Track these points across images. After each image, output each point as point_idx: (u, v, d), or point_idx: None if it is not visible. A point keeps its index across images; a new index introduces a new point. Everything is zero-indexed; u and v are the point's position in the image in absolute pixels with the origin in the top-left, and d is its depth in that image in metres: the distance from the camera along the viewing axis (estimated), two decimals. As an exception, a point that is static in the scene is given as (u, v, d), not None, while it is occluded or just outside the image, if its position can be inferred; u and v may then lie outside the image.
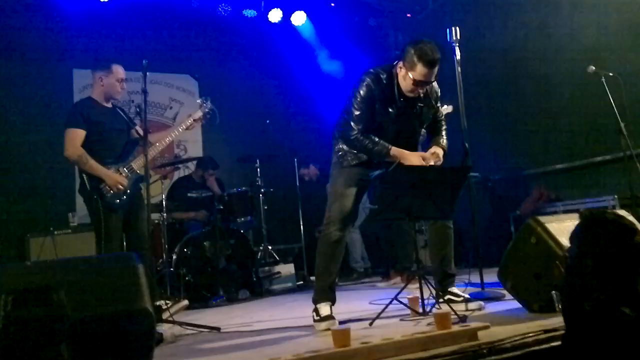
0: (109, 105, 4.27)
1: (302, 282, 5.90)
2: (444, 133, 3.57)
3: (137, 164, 4.14)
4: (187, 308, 4.43)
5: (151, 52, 3.84)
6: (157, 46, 7.15)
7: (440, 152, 3.41)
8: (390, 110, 3.33)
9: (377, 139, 3.29)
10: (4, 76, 6.60)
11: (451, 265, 3.56)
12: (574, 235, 2.04)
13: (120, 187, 3.99)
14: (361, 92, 3.29)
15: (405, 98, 3.34)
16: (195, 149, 7.66)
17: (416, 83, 3.23)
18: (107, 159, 4.08)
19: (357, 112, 3.30)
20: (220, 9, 7.09)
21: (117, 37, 7.01)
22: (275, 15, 7.40)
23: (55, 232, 5.86)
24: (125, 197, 4.03)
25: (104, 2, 6.66)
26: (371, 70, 3.36)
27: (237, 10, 7.25)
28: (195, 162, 6.41)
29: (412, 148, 3.46)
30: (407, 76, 3.24)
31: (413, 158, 3.28)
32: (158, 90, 7.49)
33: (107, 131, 4.13)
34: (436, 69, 3.24)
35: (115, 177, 4.00)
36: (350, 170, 3.44)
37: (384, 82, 3.31)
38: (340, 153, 3.48)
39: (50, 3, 6.52)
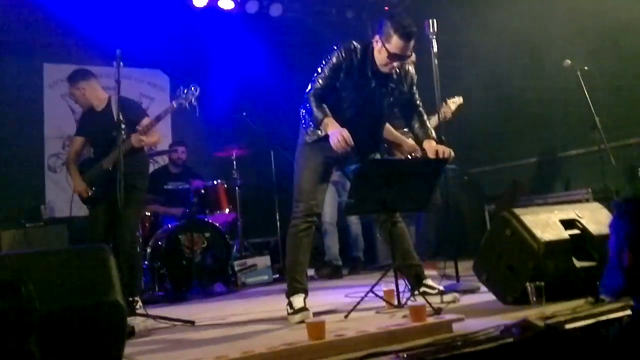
0: (100, 109, 4.43)
1: (277, 276, 5.88)
2: (428, 123, 3.50)
3: (107, 161, 4.29)
4: (161, 302, 4.40)
5: (121, 46, 3.78)
6: (128, 40, 6.99)
7: (441, 147, 3.33)
8: (355, 83, 3.27)
9: (322, 105, 3.21)
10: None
11: (414, 257, 3.51)
12: (616, 224, 2.00)
13: (82, 194, 4.42)
14: (331, 58, 3.26)
15: (377, 75, 3.29)
16: (166, 144, 7.55)
17: (391, 56, 3.19)
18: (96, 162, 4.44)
19: (319, 75, 3.27)
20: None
21: (87, 30, 6.87)
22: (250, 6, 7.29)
23: (27, 225, 5.75)
24: (96, 192, 4.38)
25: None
26: (347, 41, 3.31)
27: (212, 1, 7.14)
28: (167, 154, 6.35)
29: (376, 130, 3.44)
30: (382, 49, 3.20)
31: (334, 134, 3.08)
32: (128, 85, 7.28)
33: (94, 135, 4.46)
34: (411, 43, 3.19)
35: (76, 186, 4.45)
36: (312, 147, 3.37)
37: (357, 54, 3.26)
38: (303, 125, 3.40)
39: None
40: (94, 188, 4.40)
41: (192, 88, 4.32)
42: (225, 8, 7.26)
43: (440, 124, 4.07)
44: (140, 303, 3.87)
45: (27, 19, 6.62)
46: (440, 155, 3.28)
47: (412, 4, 7.73)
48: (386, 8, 8.00)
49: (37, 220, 5.98)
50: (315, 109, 3.20)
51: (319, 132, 3.30)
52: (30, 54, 6.88)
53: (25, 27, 6.68)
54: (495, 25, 6.14)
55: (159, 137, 4.61)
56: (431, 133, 3.45)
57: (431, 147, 3.36)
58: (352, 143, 3.10)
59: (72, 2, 6.58)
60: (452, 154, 3.32)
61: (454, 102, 4.81)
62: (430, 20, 4.00)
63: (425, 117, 3.52)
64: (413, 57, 4.66)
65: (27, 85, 6.80)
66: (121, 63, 3.84)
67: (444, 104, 4.55)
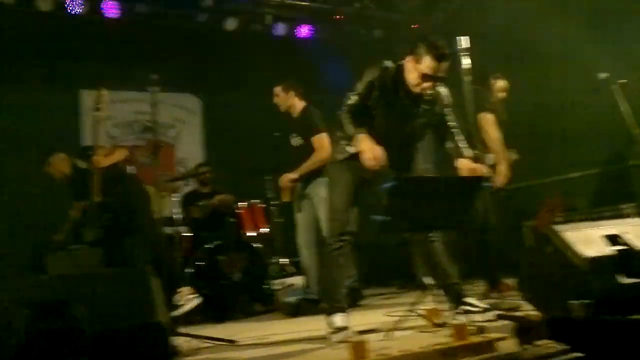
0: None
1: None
2: (462, 144, 3.46)
3: (94, 196, 4.79)
4: (202, 322, 4.53)
5: (155, 72, 3.92)
6: (161, 65, 7.17)
7: (474, 165, 3.32)
8: (388, 102, 3.29)
9: (356, 121, 3.24)
10: (13, 98, 6.69)
11: (453, 275, 3.46)
12: None
13: None
14: (364, 77, 3.30)
15: (409, 96, 3.31)
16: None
17: (423, 77, 3.20)
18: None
19: (354, 91, 3.32)
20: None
21: (122, 56, 7.08)
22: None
23: (71, 247, 5.88)
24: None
25: (108, 21, 6.68)
26: (380, 60, 3.35)
27: (244, 25, 7.25)
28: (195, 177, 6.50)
29: (407, 150, 3.44)
30: (414, 70, 3.21)
31: (367, 150, 3.10)
32: (161, 109, 7.44)
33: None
34: (444, 65, 3.20)
35: None
36: (343, 165, 3.39)
37: (390, 73, 3.29)
38: (334, 143, 3.47)
39: (56, 24, 6.57)
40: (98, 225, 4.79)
41: None
42: (255, 31, 7.38)
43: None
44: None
45: (63, 47, 6.82)
46: (474, 173, 3.27)
47: (442, 22, 7.75)
48: (415, 26, 8.04)
49: (80, 243, 6.11)
50: (348, 124, 3.24)
51: (349, 149, 3.33)
52: (67, 81, 7.07)
53: (61, 55, 6.88)
54: (528, 39, 6.10)
55: (119, 152, 5.16)
56: (465, 152, 3.44)
57: (464, 165, 3.35)
58: (385, 161, 3.12)
59: (106, 29, 6.77)
60: (486, 170, 3.31)
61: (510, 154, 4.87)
62: (462, 37, 4.01)
63: (458, 137, 3.51)
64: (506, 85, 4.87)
65: (64, 112, 6.97)
66: (156, 88, 3.96)
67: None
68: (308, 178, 4.90)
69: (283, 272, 6.02)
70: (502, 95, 4.93)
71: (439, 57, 3.15)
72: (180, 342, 3.41)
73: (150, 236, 4.96)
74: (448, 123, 3.52)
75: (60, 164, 5.30)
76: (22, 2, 6.22)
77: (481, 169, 3.29)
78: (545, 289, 2.88)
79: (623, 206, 5.04)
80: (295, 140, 5.02)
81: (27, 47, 6.71)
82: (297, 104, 5.09)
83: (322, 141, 4.79)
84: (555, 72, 6.07)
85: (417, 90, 3.28)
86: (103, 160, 4.83)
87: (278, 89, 5.13)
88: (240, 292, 5.30)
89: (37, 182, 6.33)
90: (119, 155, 5.12)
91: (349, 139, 3.26)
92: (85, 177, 4.85)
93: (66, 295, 2.25)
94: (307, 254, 5.06)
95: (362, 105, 3.29)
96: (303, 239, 5.07)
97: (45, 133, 6.65)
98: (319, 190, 4.72)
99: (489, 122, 4.56)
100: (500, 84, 4.93)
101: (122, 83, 7.26)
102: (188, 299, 4.55)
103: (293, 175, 4.94)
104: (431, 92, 3.37)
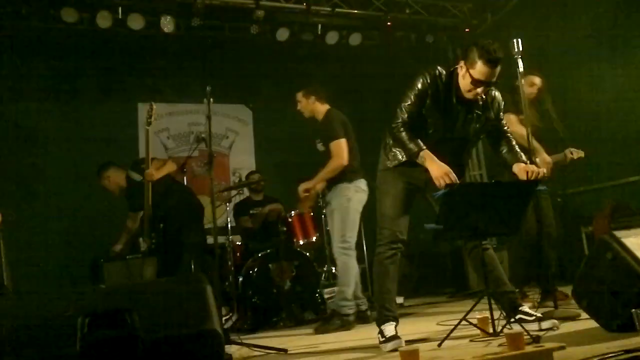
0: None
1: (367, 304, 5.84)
2: (517, 148, 3.39)
3: (146, 208, 5.18)
4: (254, 330, 4.59)
5: (209, 83, 4.01)
6: (214, 77, 7.33)
7: (531, 167, 3.23)
8: (442, 109, 3.23)
9: (413, 136, 3.19)
10: (73, 112, 6.99)
11: (507, 284, 3.39)
12: None
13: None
14: (417, 83, 3.23)
15: (462, 101, 3.26)
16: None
17: (475, 82, 3.13)
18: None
19: (406, 102, 3.24)
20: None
21: (177, 69, 7.27)
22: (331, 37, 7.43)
23: (128, 257, 6.05)
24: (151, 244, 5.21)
25: (162, 36, 6.83)
26: (432, 66, 3.30)
27: (295, 35, 7.33)
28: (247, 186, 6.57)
29: (458, 155, 3.36)
30: (466, 75, 3.15)
31: (435, 169, 3.09)
32: (215, 120, 7.62)
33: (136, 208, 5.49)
34: (497, 70, 3.13)
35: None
36: (394, 173, 3.37)
37: (442, 79, 3.23)
38: (384, 150, 3.42)
39: (114, 39, 6.80)
40: (153, 234, 5.16)
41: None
42: (307, 40, 7.44)
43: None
44: None
45: (122, 61, 7.07)
46: (531, 176, 3.19)
47: (493, 25, 7.62)
48: (467, 30, 7.94)
49: (137, 252, 6.28)
50: (407, 141, 3.19)
51: (400, 157, 3.31)
52: (126, 95, 7.33)
53: (120, 69, 7.14)
54: (582, 41, 5.95)
55: (170, 165, 5.36)
56: (521, 157, 3.35)
57: (521, 168, 3.27)
58: (457, 181, 3.08)
59: (162, 43, 6.97)
60: (543, 173, 3.22)
61: (575, 153, 4.71)
62: (515, 40, 3.92)
63: (513, 142, 3.43)
64: (537, 81, 4.64)
65: (124, 125, 7.23)
66: (211, 99, 4.05)
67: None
68: (329, 185, 4.74)
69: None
70: (531, 92, 4.63)
71: (491, 62, 3.09)
72: (232, 350, 3.45)
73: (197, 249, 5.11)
74: (502, 128, 3.46)
75: (116, 177, 5.47)
76: (83, 20, 6.46)
77: (537, 171, 3.20)
78: (605, 297, 2.79)
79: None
80: (320, 146, 4.86)
81: (88, 62, 6.99)
82: (320, 109, 4.90)
83: (339, 148, 4.58)
84: (608, 75, 5.87)
85: (469, 96, 3.23)
86: (154, 173, 5.03)
87: (299, 95, 4.99)
88: (291, 301, 5.33)
89: (96, 194, 6.59)
90: (170, 168, 5.28)
91: (411, 155, 3.20)
92: (140, 189, 5.04)
93: (123, 304, 2.32)
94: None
95: (416, 114, 3.24)
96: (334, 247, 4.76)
97: (106, 144, 6.91)
98: (334, 199, 4.62)
99: (511, 122, 4.38)
100: (533, 80, 4.65)
101: (177, 96, 7.48)
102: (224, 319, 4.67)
103: (308, 184, 4.70)
104: (484, 97, 3.31)
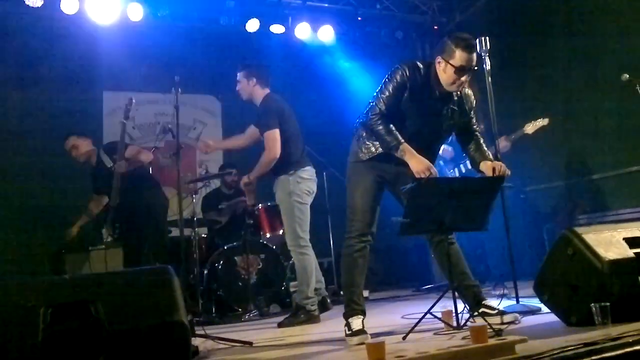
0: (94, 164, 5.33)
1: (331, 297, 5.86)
2: (484, 146, 3.45)
3: (113, 199, 5.04)
4: (219, 323, 4.55)
5: (177, 73, 3.93)
6: (184, 67, 7.23)
7: (497, 164, 3.30)
8: (419, 102, 3.26)
9: (392, 129, 3.20)
10: (36, 100, 6.79)
11: (471, 278, 3.45)
12: None
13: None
14: (396, 76, 3.24)
15: (439, 96, 3.29)
16: (215, 167, 7.72)
17: (457, 70, 3.16)
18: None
19: (384, 94, 3.25)
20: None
21: (144, 58, 7.16)
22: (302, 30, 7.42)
23: (90, 248, 5.94)
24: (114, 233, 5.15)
25: (130, 24, 6.74)
26: (410, 60, 3.33)
27: (265, 27, 7.29)
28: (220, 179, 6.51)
29: (432, 150, 3.41)
30: (447, 67, 3.18)
31: (417, 164, 3.13)
32: (183, 111, 7.52)
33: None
34: (475, 55, 3.19)
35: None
36: (365, 165, 3.38)
37: (421, 72, 3.26)
38: (357, 142, 3.42)
39: (80, 25, 6.65)
40: (117, 225, 5.06)
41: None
42: (276, 32, 7.41)
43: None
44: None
45: (87, 49, 6.91)
46: (497, 172, 3.24)
47: (462, 22, 7.73)
48: (435, 27, 8.03)
49: (99, 244, 6.17)
50: (385, 134, 3.19)
51: (373, 149, 3.32)
52: (91, 83, 7.17)
53: (85, 57, 6.97)
54: (550, 41, 6.06)
55: (146, 155, 5.26)
56: (488, 155, 3.41)
57: (488, 165, 3.32)
58: (437, 175, 3.14)
59: (129, 32, 6.85)
60: (509, 171, 3.28)
61: (540, 122, 4.83)
62: (483, 38, 3.99)
63: (482, 140, 3.49)
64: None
65: (87, 113, 7.06)
66: (179, 90, 4.00)
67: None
68: (272, 177, 4.51)
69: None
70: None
71: (469, 47, 3.16)
72: (196, 343, 3.43)
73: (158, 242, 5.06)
74: (473, 126, 3.51)
75: (87, 148, 5.36)
76: (47, 5, 6.30)
77: (503, 167, 3.26)
78: (565, 292, 2.86)
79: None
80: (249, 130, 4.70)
81: (52, 49, 6.81)
82: (259, 92, 4.56)
83: (269, 140, 4.34)
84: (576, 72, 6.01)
85: (454, 88, 3.27)
86: (124, 166, 4.97)
87: (240, 75, 4.64)
88: (257, 294, 5.32)
89: (57, 183, 6.45)
90: (145, 158, 5.17)
91: (389, 147, 3.21)
92: (108, 175, 4.98)
93: (87, 295, 2.28)
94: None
95: (394, 107, 3.26)
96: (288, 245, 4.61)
97: (69, 133, 6.75)
98: (277, 192, 4.48)
99: None
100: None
101: (144, 85, 7.35)
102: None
103: (246, 178, 4.55)
104: (459, 93, 3.36)
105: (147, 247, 5.21)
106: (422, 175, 3.08)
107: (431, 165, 3.15)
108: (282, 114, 4.45)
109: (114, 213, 5.03)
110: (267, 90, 4.59)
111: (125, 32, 6.83)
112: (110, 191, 5.04)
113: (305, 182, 4.42)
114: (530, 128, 5.10)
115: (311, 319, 4.33)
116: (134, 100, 5.03)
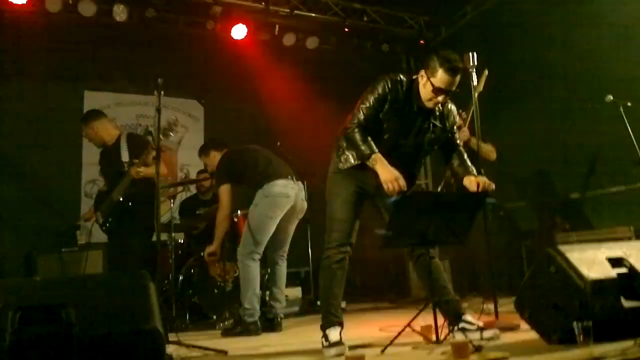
0: (111, 144, 4.90)
1: (308, 307, 5.81)
2: (468, 162, 3.42)
3: (116, 193, 4.71)
4: (193, 330, 4.44)
5: (160, 76, 3.87)
6: (166, 70, 7.15)
7: (481, 179, 3.27)
8: (399, 116, 3.24)
9: (368, 139, 3.17)
10: (17, 97, 6.68)
11: (451, 292, 3.41)
12: None
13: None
14: (378, 87, 3.22)
15: (420, 110, 3.27)
16: (194, 173, 7.65)
17: (436, 90, 3.15)
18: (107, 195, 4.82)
19: (365, 105, 3.23)
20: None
21: (127, 59, 7.07)
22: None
23: (63, 250, 5.82)
24: (111, 223, 4.78)
25: (115, 24, 6.63)
26: (392, 73, 3.30)
27: (252, 33, 7.25)
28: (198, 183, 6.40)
29: (410, 163, 3.37)
30: (427, 83, 3.17)
31: (385, 173, 3.09)
32: (164, 113, 7.43)
33: (105, 170, 5.01)
34: (457, 79, 3.16)
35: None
36: (345, 176, 3.35)
37: (402, 86, 3.24)
38: (337, 153, 3.40)
39: (63, 25, 6.55)
40: (110, 219, 4.76)
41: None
42: (262, 39, 7.38)
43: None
44: None
45: (70, 48, 6.81)
46: (482, 187, 3.23)
47: (448, 38, 7.78)
48: (421, 42, 8.07)
49: (73, 245, 6.04)
50: (360, 143, 3.16)
51: (352, 160, 3.29)
52: (72, 82, 7.07)
53: (68, 56, 6.87)
54: (533, 59, 6.12)
55: (164, 168, 4.73)
56: (472, 170, 3.40)
57: (472, 181, 3.31)
58: (406, 188, 3.08)
59: (112, 32, 6.76)
60: (493, 186, 3.27)
61: (482, 79, 4.70)
62: (470, 54, 3.99)
63: (465, 155, 3.46)
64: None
65: (68, 112, 6.93)
66: (162, 92, 3.92)
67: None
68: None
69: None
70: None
71: (452, 70, 3.12)
72: (170, 350, 3.35)
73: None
74: (455, 141, 3.49)
75: (105, 131, 4.90)
76: (31, 2, 6.19)
77: (487, 182, 3.24)
78: (547, 310, 2.84)
79: (622, 229, 4.99)
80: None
81: (36, 45, 6.69)
82: (217, 159, 4.93)
83: (220, 195, 4.73)
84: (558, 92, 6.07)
85: (430, 105, 3.25)
86: (142, 171, 4.68)
87: (204, 156, 5.12)
88: (232, 301, 5.23)
89: (33, 183, 6.32)
90: (162, 171, 4.86)
91: (362, 157, 3.19)
92: (117, 168, 4.77)
93: (58, 299, 2.20)
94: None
95: (373, 118, 3.23)
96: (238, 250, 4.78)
97: (49, 132, 6.65)
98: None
99: None
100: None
101: (126, 86, 7.26)
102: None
103: (210, 248, 4.81)
104: (441, 108, 3.34)
105: (136, 248, 4.93)
106: (389, 186, 3.05)
107: (400, 176, 3.09)
108: (230, 161, 4.79)
109: (113, 207, 4.78)
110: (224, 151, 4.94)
111: (110, 33, 6.74)
112: (112, 182, 4.81)
113: (272, 197, 4.56)
114: (480, 87, 4.85)
115: (248, 331, 4.30)
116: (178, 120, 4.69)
